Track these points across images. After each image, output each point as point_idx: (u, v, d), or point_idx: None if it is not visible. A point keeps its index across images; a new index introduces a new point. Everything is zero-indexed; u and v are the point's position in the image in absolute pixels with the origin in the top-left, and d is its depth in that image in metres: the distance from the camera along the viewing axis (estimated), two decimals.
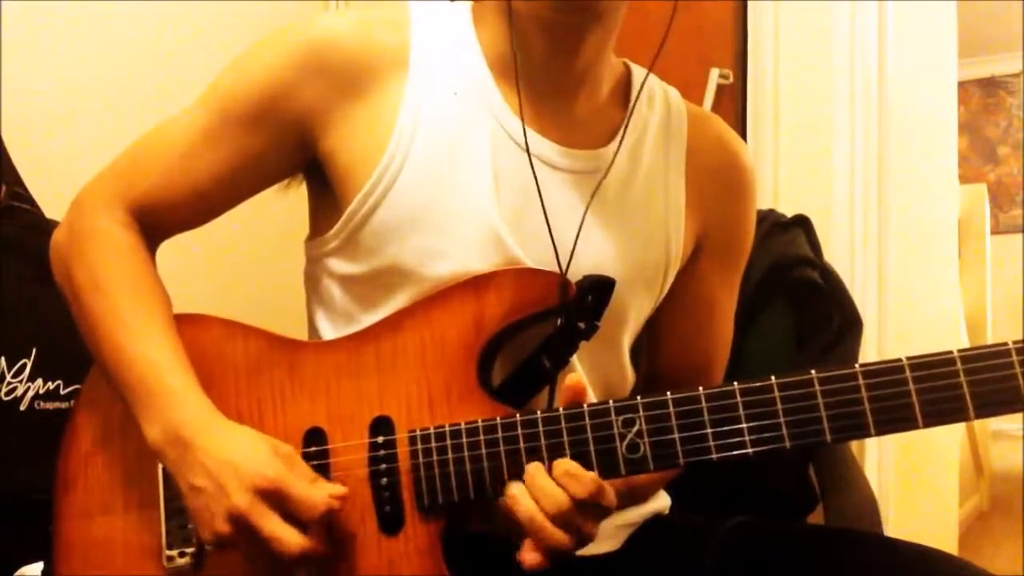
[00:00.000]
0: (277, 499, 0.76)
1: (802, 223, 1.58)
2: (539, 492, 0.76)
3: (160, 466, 0.86)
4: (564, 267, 0.86)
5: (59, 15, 1.69)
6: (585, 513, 0.76)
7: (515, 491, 0.77)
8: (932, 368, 0.71)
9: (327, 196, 0.92)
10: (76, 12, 1.71)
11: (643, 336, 1.03)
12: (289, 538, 0.75)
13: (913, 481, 2.01)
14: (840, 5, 1.81)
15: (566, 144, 0.91)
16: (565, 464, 0.76)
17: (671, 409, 0.76)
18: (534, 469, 0.77)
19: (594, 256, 0.89)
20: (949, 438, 2.35)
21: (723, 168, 1.00)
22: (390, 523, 0.82)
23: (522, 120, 0.88)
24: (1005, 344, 0.70)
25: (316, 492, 0.77)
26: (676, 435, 0.76)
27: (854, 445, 1.71)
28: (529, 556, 0.76)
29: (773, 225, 1.55)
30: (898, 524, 1.85)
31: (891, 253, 1.81)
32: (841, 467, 1.36)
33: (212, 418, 0.82)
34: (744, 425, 0.75)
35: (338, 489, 0.79)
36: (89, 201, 0.92)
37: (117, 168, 0.94)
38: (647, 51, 0.96)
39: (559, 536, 0.76)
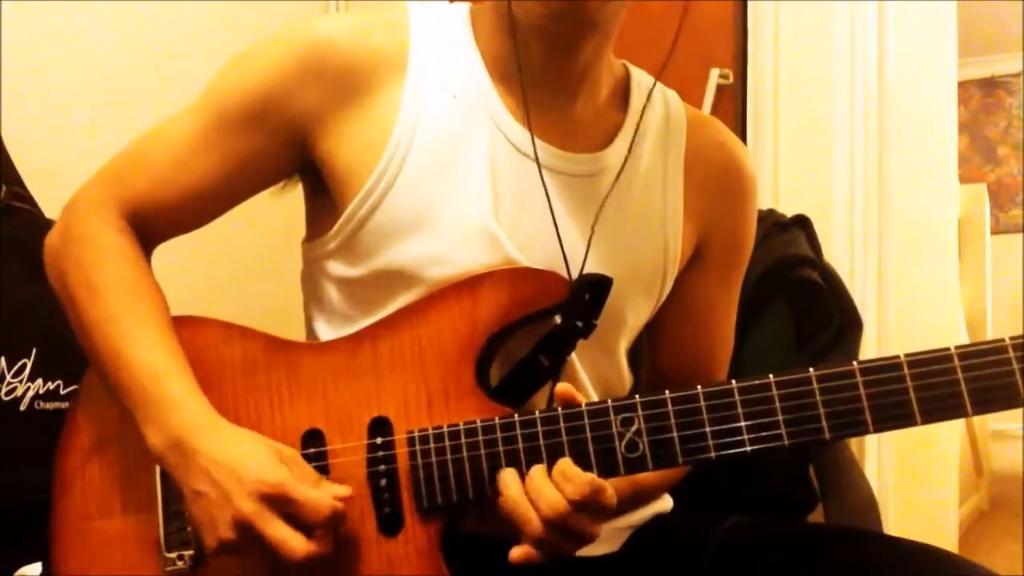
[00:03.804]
0: (281, 503, 0.76)
1: (802, 223, 1.58)
2: (536, 494, 0.76)
3: (158, 468, 0.86)
4: (567, 268, 0.87)
5: (59, 15, 1.68)
6: (583, 515, 0.75)
7: (513, 493, 0.77)
8: (929, 365, 0.71)
9: (324, 198, 0.92)
10: (76, 12, 1.71)
11: (643, 339, 1.03)
12: (295, 543, 0.75)
13: (913, 481, 2.01)
14: (840, 5, 1.81)
15: (564, 147, 0.91)
16: (561, 464, 0.76)
17: (669, 408, 0.76)
18: (536, 472, 0.77)
19: (591, 258, 0.89)
20: (949, 438, 2.35)
21: (722, 171, 1.00)
22: (389, 524, 0.82)
23: (530, 128, 0.88)
24: (1002, 340, 0.70)
25: (320, 495, 0.77)
26: (675, 434, 0.76)
27: (854, 445, 1.71)
28: (516, 551, 0.76)
29: (773, 225, 1.55)
30: (898, 524, 1.85)
31: (891, 253, 1.81)
32: (841, 467, 1.36)
33: (214, 422, 0.82)
34: (743, 423, 0.75)
35: (342, 490, 0.79)
36: (83, 205, 0.92)
37: (111, 171, 0.93)
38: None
39: (555, 540, 0.75)
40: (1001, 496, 3.90)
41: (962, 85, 3.93)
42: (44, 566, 0.91)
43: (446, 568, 0.81)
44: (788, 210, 1.63)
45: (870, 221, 1.80)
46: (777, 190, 1.84)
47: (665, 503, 1.04)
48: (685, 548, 0.95)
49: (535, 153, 0.87)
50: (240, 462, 0.78)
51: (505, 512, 0.77)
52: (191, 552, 0.84)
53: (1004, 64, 5.70)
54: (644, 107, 0.96)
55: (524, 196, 0.88)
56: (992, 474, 3.94)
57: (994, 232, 4.57)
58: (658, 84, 0.99)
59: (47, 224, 1.31)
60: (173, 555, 0.85)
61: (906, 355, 0.72)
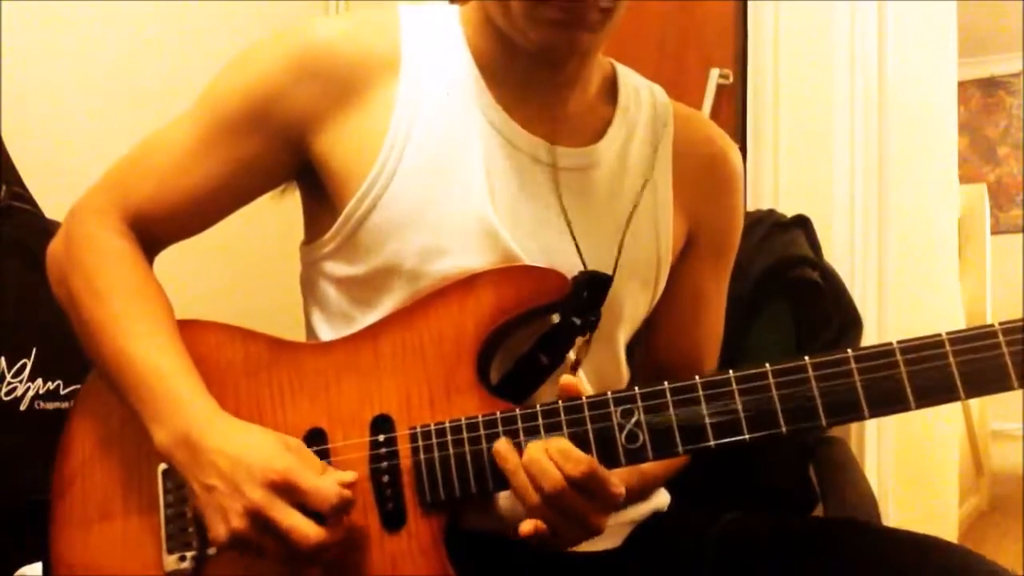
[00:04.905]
0: (290, 491, 0.77)
1: (802, 223, 1.58)
2: (536, 469, 0.76)
3: (159, 469, 0.86)
4: (567, 265, 0.87)
5: (59, 15, 1.69)
6: (583, 498, 0.75)
7: (511, 465, 0.77)
8: (922, 350, 0.72)
9: (322, 200, 0.93)
10: (76, 12, 1.71)
11: (640, 332, 1.04)
12: (306, 529, 0.76)
13: (913, 481, 2.01)
14: (840, 5, 1.81)
15: (556, 142, 0.92)
16: (559, 442, 0.77)
17: (668, 398, 0.77)
18: (533, 447, 0.77)
19: (587, 253, 0.90)
20: (949, 438, 2.35)
21: (709, 164, 1.01)
22: (392, 520, 0.82)
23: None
24: (992, 325, 0.72)
25: (327, 481, 0.77)
26: (674, 423, 0.77)
27: (854, 445, 1.71)
28: (525, 524, 0.76)
29: (773, 225, 1.55)
30: (898, 524, 1.84)
31: (891, 253, 1.81)
32: (841, 467, 1.36)
33: (220, 418, 0.82)
34: (741, 412, 0.75)
35: (347, 476, 0.79)
36: (85, 212, 0.93)
37: (112, 178, 0.95)
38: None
39: (555, 518, 0.76)
40: (1001, 496, 3.91)
41: (962, 85, 3.94)
42: (44, 567, 0.91)
43: (449, 563, 0.81)
44: (788, 210, 1.63)
45: (870, 221, 1.80)
46: (777, 190, 1.84)
47: (662, 499, 1.05)
48: (686, 543, 0.96)
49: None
50: (248, 453, 0.78)
51: (516, 495, 0.77)
52: (193, 553, 0.85)
53: (1004, 64, 5.70)
54: (632, 102, 0.97)
55: (519, 191, 0.89)
56: (992, 474, 3.94)
57: (994, 232, 4.57)
58: (643, 79, 1.00)
59: (47, 224, 1.31)
60: (175, 556, 0.85)
61: (899, 342, 0.73)
